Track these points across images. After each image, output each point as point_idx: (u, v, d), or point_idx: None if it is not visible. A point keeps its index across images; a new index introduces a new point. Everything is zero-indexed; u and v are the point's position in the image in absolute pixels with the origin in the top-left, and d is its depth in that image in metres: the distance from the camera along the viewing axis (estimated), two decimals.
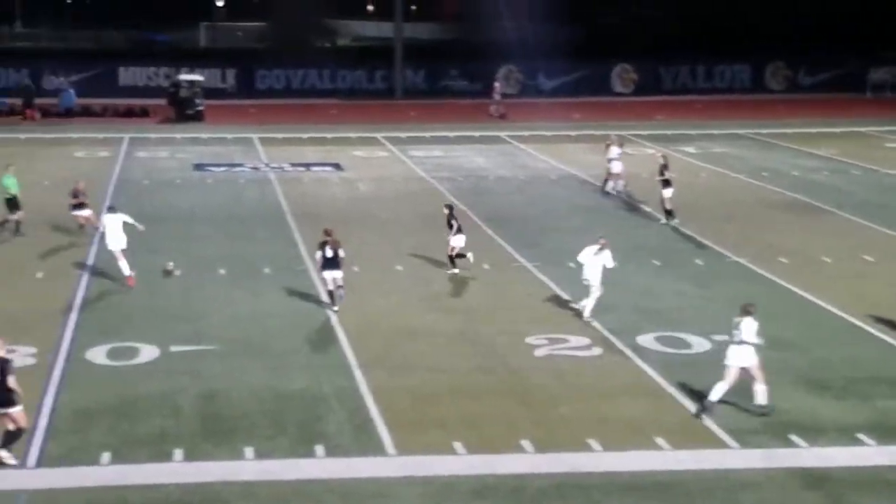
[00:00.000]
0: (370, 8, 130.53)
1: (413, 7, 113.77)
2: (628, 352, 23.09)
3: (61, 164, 43.69)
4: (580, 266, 25.34)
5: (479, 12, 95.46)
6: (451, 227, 28.66)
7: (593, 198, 39.68)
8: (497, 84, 66.38)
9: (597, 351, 23.15)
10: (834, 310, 26.07)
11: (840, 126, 45.47)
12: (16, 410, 17.44)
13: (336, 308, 25.34)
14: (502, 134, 54.92)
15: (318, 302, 26.15)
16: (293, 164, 45.68)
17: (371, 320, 24.92)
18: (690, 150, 50.63)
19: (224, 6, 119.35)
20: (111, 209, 28.77)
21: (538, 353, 22.95)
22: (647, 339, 23.80)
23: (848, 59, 74.94)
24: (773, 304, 26.23)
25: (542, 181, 42.42)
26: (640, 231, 34.39)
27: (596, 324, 24.75)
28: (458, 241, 28.67)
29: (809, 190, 40.69)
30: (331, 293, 25.45)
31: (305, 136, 53.86)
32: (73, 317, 24.80)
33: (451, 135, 54.31)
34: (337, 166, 45.55)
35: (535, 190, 40.80)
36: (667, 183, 35.13)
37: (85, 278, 27.88)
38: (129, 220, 28.05)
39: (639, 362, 22.51)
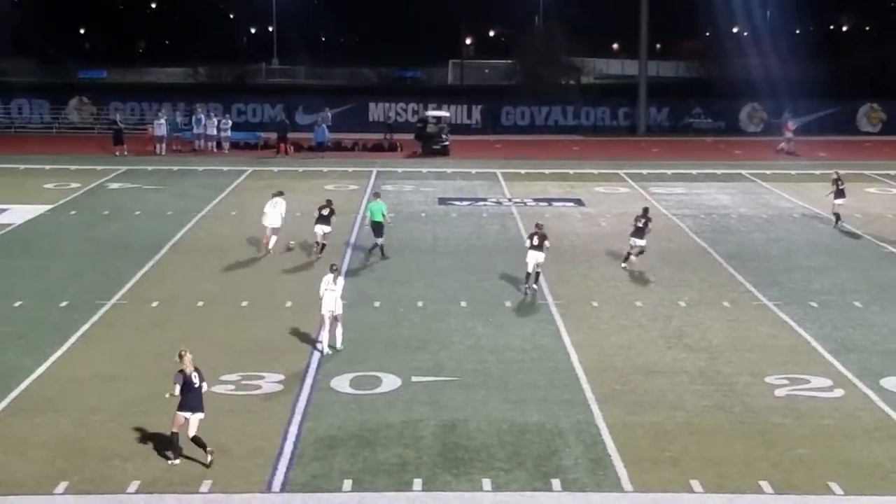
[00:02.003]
0: (615, 46, 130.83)
1: (658, 45, 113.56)
2: (872, 394, 22.67)
3: (312, 197, 45.31)
4: None
5: (724, 50, 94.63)
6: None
7: (836, 237, 38.93)
8: (789, 122, 65.38)
9: (839, 392, 22.80)
10: None
11: None
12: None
13: (532, 286, 30.14)
14: (745, 172, 54.33)
15: (558, 336, 26.52)
16: (535, 199, 46.25)
17: (609, 356, 25.13)
18: None
19: (472, 44, 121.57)
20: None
21: (778, 392, 22.76)
22: (891, 382, 23.30)
23: None
24: None
25: (784, 220, 41.86)
26: (886, 272, 33.57)
27: (838, 365, 24.39)
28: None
29: None
30: (528, 274, 30.30)
31: (548, 171, 54.41)
32: (320, 346, 25.62)
33: (693, 172, 54.05)
34: (578, 202, 45.91)
35: (777, 228, 40.28)
36: None
37: None
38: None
39: (882, 405, 22.06)
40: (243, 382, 23.03)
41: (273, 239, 35.25)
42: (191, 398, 19.04)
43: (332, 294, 25.17)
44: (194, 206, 43.73)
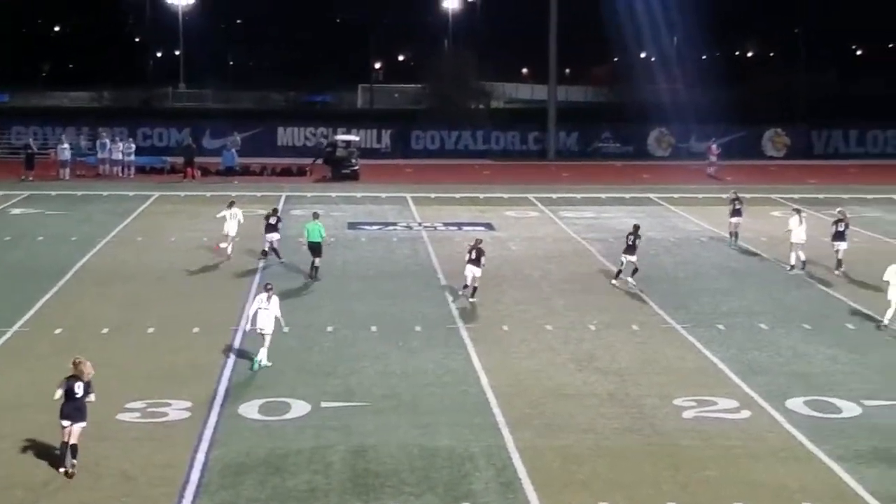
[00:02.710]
0: (525, 71, 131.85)
1: (567, 70, 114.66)
2: (777, 415, 22.91)
3: (219, 222, 44.91)
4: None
5: (632, 76, 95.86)
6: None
7: (742, 260, 39.41)
8: (712, 146, 66.21)
9: (745, 414, 23.01)
10: None
11: None
12: None
13: (470, 298, 31.80)
14: (653, 196, 54.90)
15: (469, 361, 26.51)
16: (446, 224, 46.30)
17: (520, 379, 25.14)
18: None
19: (381, 68, 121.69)
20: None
21: (686, 414, 22.91)
22: (796, 403, 23.58)
23: None
24: None
25: (692, 243, 42.29)
26: (791, 294, 34.05)
27: (745, 387, 24.64)
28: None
29: None
30: (466, 286, 32.00)
31: (458, 195, 54.52)
32: (227, 372, 25.40)
33: (602, 196, 54.51)
34: (489, 226, 46.02)
35: (684, 251, 40.69)
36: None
37: (240, 334, 28.33)
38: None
39: (788, 426, 22.30)
40: (149, 410, 22.68)
41: (230, 247, 37.43)
42: (67, 407, 19.15)
43: (265, 313, 25.40)
44: (99, 231, 43.13)
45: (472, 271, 31.84)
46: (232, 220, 38.02)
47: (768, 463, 20.44)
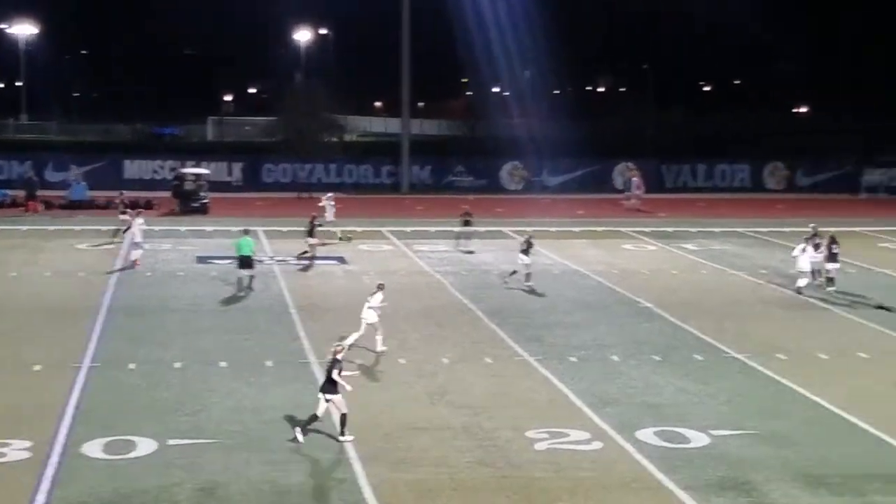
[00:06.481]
0: (378, 104, 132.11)
1: (421, 104, 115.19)
2: (628, 446, 23.06)
3: (63, 257, 43.96)
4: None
5: (485, 109, 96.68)
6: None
7: (595, 293, 39.77)
8: (636, 179, 66.76)
9: (597, 445, 23.12)
10: (831, 407, 26.07)
11: (835, 226, 45.89)
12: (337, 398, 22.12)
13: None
14: (506, 229, 55.19)
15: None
16: (298, 258, 45.85)
17: (373, 414, 24.86)
18: (691, 247, 50.85)
19: (232, 101, 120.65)
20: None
21: (539, 446, 22.92)
22: (646, 434, 23.78)
23: (843, 161, 77.34)
24: (772, 401, 26.62)
25: (545, 276, 42.46)
26: (642, 326, 34.45)
27: (596, 418, 24.78)
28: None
29: (806, 287, 40.71)
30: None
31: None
32: (70, 410, 24.71)
33: (455, 229, 54.51)
34: (341, 260, 45.72)
35: (538, 285, 40.87)
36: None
37: (84, 371, 27.75)
38: None
39: (639, 457, 22.46)
40: None
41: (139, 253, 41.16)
42: None
43: None
44: None
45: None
46: (139, 230, 42.05)
47: (619, 493, 20.55)
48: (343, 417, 22.88)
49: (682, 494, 20.47)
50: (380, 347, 30.20)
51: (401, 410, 25.32)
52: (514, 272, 40.40)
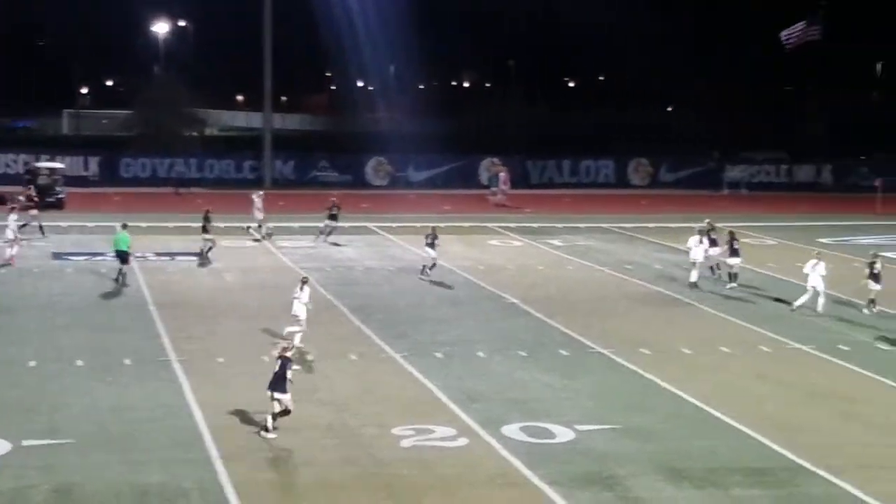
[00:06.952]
0: (240, 98, 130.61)
1: (284, 98, 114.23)
2: (494, 442, 23.00)
3: None
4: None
5: (349, 104, 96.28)
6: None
7: (461, 289, 39.71)
8: (503, 175, 66.58)
9: (462, 441, 23.01)
10: (693, 400, 26.35)
11: (699, 221, 46.63)
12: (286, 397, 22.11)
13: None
14: (371, 225, 54.92)
15: (181, 394, 25.66)
16: (157, 254, 44.99)
17: (236, 412, 24.43)
18: (556, 242, 51.17)
19: (88, 94, 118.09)
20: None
21: (404, 443, 22.74)
22: (512, 430, 23.74)
23: (706, 158, 78.53)
24: (636, 395, 26.82)
25: (410, 272, 42.31)
26: (508, 322, 34.47)
27: (462, 414, 24.66)
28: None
29: (670, 283, 41.29)
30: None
31: (171, 225, 53.16)
32: None
33: (320, 225, 53.97)
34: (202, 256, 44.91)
35: (404, 281, 40.71)
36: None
37: None
38: None
39: (504, 452, 22.41)
40: None
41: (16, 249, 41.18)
42: None
43: None
44: None
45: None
46: (9, 228, 41.68)
47: (485, 489, 20.48)
48: (284, 414, 22.69)
49: (547, 490, 20.47)
50: (297, 343, 29.60)
51: (265, 409, 24.85)
52: (434, 265, 40.56)
